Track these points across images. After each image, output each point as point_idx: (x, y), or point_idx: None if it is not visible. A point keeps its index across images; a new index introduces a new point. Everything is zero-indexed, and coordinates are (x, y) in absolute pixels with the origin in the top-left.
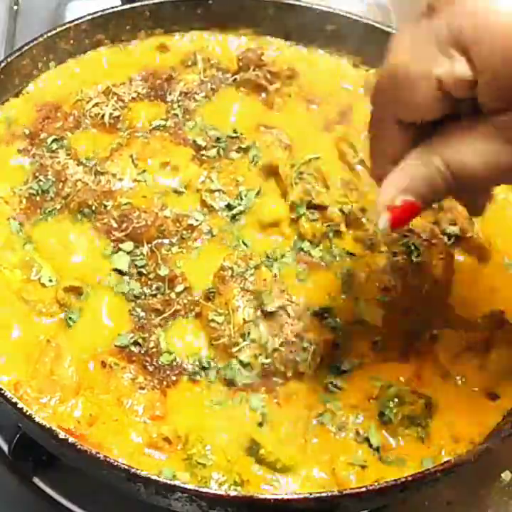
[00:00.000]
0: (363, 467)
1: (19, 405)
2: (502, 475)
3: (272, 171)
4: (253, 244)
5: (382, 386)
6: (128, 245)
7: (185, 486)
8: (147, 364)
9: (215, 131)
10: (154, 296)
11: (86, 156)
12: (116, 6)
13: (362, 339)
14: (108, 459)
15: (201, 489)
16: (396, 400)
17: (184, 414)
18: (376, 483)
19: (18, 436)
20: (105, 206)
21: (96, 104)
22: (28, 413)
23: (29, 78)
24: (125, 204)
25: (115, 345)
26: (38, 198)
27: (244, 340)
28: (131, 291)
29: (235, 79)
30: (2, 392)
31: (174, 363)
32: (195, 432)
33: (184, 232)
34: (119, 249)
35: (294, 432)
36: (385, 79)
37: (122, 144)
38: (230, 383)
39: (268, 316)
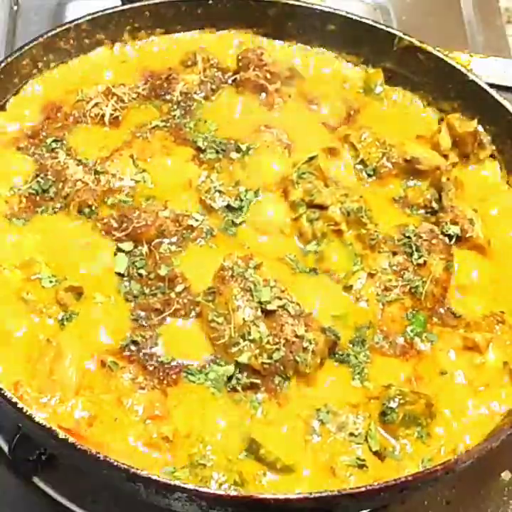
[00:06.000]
0: (363, 467)
1: (19, 405)
2: (502, 475)
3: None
4: (253, 243)
5: (383, 386)
6: (128, 245)
7: (185, 485)
8: (147, 363)
9: (214, 131)
10: (154, 295)
11: (86, 156)
12: (117, 6)
13: (362, 339)
14: (108, 459)
15: (201, 489)
16: (397, 399)
17: (184, 413)
18: (376, 483)
19: (18, 436)
20: (105, 206)
21: (96, 105)
22: (28, 413)
23: (29, 78)
24: (125, 203)
25: (115, 346)
26: (38, 198)
27: (244, 340)
28: (131, 291)
29: (235, 79)
30: (2, 392)
31: (174, 362)
32: (195, 432)
33: (184, 232)
34: (119, 249)
35: (294, 431)
36: None
37: (122, 143)
38: (230, 383)
39: (268, 315)
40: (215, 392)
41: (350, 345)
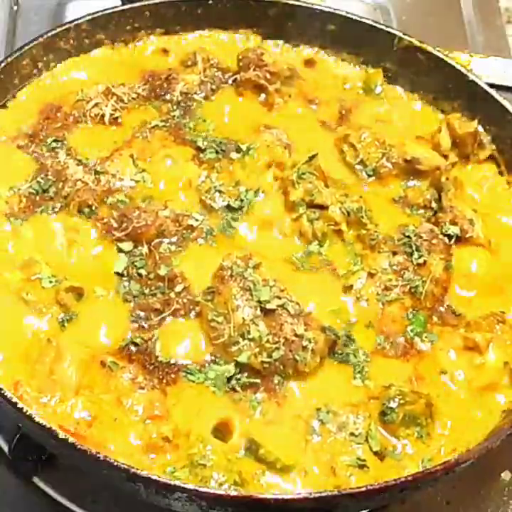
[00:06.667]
0: (363, 467)
1: (19, 405)
2: (502, 475)
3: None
4: (252, 243)
5: (383, 386)
6: (127, 245)
7: (185, 485)
8: (146, 363)
9: (214, 131)
10: (154, 295)
11: (86, 156)
12: (117, 6)
13: (362, 339)
14: (108, 459)
15: (201, 489)
16: (397, 399)
17: (184, 412)
18: (376, 483)
19: (18, 436)
20: (105, 206)
21: (96, 105)
22: (28, 413)
23: (29, 78)
24: (125, 203)
25: (115, 346)
26: (38, 198)
27: (243, 340)
28: (131, 291)
29: (235, 79)
30: (2, 392)
31: (173, 362)
32: (195, 432)
33: (184, 231)
34: (119, 249)
35: (294, 431)
36: None
37: (122, 143)
38: (229, 382)
39: (268, 314)
40: (215, 391)
41: (342, 345)
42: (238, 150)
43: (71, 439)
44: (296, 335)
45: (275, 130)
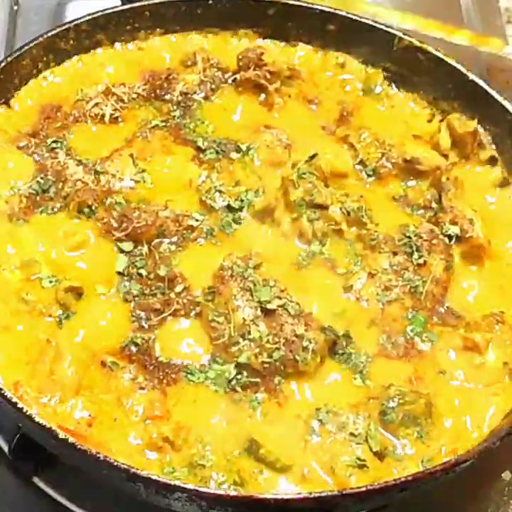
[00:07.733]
0: (363, 467)
1: (19, 405)
2: (502, 475)
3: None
4: (254, 243)
5: (383, 386)
6: (128, 245)
7: (185, 485)
8: (147, 363)
9: (214, 132)
10: (154, 295)
11: (86, 156)
12: (116, 6)
13: (362, 339)
14: (108, 459)
15: (201, 489)
16: (396, 399)
17: (184, 413)
18: (376, 483)
19: (18, 436)
20: (105, 206)
21: (96, 104)
22: (28, 413)
23: (29, 78)
24: (125, 203)
25: (115, 346)
26: (38, 198)
27: (244, 340)
28: (131, 291)
29: (235, 79)
30: (2, 392)
31: (173, 362)
32: (195, 432)
33: (184, 232)
34: (119, 249)
35: (294, 431)
36: None
37: (122, 143)
38: (229, 382)
39: (268, 315)
40: (216, 390)
41: (342, 345)
42: (238, 150)
43: (71, 439)
44: (296, 335)
45: (275, 130)
